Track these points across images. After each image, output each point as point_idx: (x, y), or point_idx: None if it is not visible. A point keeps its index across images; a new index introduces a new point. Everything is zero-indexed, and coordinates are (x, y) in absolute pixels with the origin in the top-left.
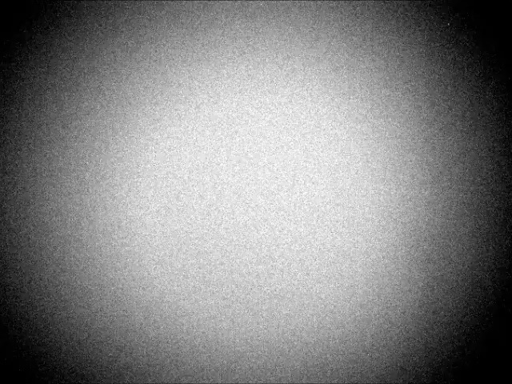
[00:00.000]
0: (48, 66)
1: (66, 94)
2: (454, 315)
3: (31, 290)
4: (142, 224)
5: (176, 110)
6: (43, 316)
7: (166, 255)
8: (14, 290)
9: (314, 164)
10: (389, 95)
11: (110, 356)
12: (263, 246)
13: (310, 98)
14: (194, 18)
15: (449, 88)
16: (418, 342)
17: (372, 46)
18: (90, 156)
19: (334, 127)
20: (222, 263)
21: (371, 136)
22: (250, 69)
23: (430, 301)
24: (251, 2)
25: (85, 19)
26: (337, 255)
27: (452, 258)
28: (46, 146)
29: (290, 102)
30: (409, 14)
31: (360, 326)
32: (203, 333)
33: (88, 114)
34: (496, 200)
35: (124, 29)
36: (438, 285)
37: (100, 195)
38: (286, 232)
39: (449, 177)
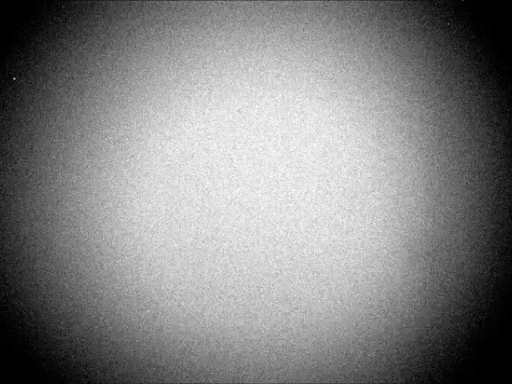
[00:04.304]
0: (49, 67)
1: (66, 94)
2: (455, 316)
3: (30, 289)
4: (143, 223)
5: (179, 112)
6: (40, 315)
7: (166, 255)
8: (14, 290)
9: (316, 167)
10: (391, 100)
11: (110, 356)
12: (264, 247)
13: (311, 102)
14: (196, 18)
15: (453, 92)
16: (419, 342)
17: (372, 47)
18: (92, 157)
19: (336, 131)
20: (222, 263)
21: (373, 138)
22: (252, 70)
23: (431, 301)
24: (253, 2)
25: (86, 18)
26: (338, 256)
27: (453, 260)
28: (48, 147)
29: (292, 104)
30: (416, 14)
31: (361, 327)
32: (203, 333)
33: (90, 115)
34: (496, 201)
35: (124, 29)
36: (439, 285)
37: (102, 196)
38: (286, 233)
39: (449, 179)
